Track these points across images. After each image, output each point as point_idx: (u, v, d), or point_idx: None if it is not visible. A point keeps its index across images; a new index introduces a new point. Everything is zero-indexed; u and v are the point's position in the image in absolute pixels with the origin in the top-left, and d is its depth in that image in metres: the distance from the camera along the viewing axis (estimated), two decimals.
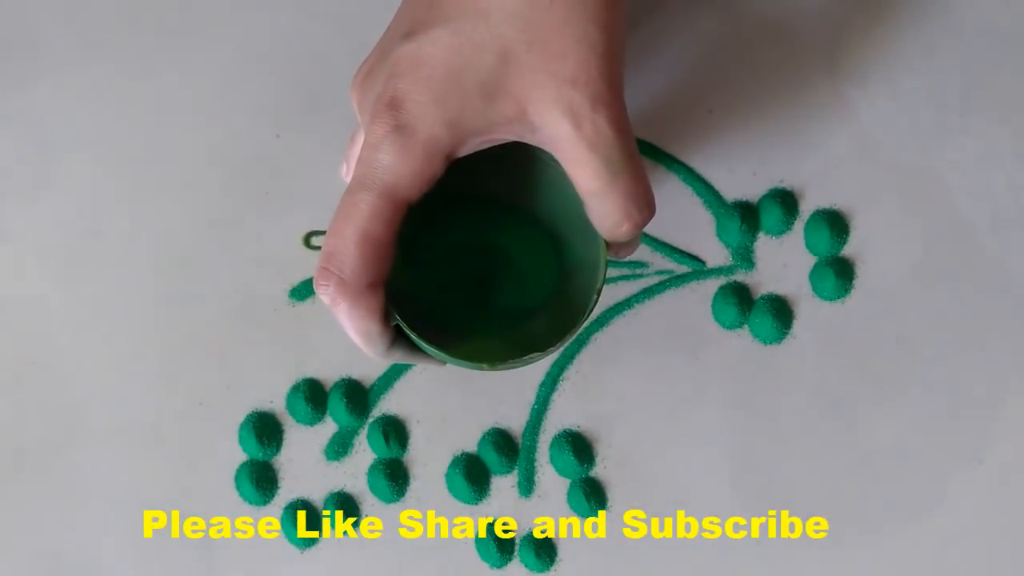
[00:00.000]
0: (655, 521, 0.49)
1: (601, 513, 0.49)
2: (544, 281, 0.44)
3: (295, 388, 0.49)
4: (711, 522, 0.49)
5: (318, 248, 0.40)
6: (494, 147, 0.40)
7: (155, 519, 0.49)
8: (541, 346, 0.41)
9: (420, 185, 0.38)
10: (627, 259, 0.47)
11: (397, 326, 0.41)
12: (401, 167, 0.38)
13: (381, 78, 0.39)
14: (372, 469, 0.49)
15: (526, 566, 0.49)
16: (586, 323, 0.41)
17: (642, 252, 0.50)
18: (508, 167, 0.42)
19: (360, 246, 0.38)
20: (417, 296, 0.42)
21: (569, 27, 0.37)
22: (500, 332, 0.43)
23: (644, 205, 0.39)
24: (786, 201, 0.50)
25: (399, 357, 0.42)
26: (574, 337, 0.41)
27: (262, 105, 0.50)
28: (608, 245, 0.41)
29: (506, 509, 0.49)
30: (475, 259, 0.44)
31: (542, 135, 0.38)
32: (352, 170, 0.39)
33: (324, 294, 0.39)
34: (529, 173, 0.43)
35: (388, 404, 0.50)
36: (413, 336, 0.40)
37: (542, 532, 0.49)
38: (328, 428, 0.50)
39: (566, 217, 0.42)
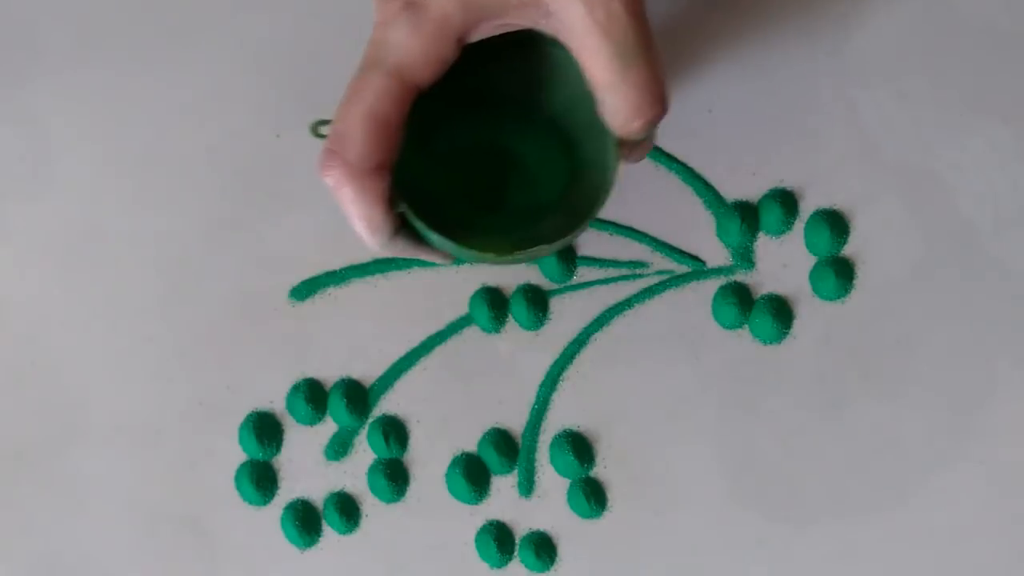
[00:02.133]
0: (655, 521, 0.49)
1: (601, 513, 0.49)
2: (555, 182, 0.43)
3: (295, 388, 0.49)
4: (711, 522, 0.49)
5: (325, 137, 0.39)
6: (510, 46, 0.40)
7: (155, 519, 0.49)
8: (548, 240, 0.40)
9: (431, 67, 0.38)
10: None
11: (402, 216, 0.40)
12: (412, 46, 0.37)
13: None
14: (372, 469, 0.49)
15: (526, 566, 0.49)
16: (590, 220, 0.41)
17: (642, 252, 0.50)
18: (523, 67, 0.42)
19: (367, 125, 0.37)
20: (427, 192, 0.42)
21: None
22: (509, 231, 0.42)
23: (657, 100, 0.38)
24: (786, 201, 0.50)
25: (402, 248, 0.41)
26: (580, 232, 0.41)
27: (262, 105, 0.50)
28: (620, 144, 0.40)
29: (506, 509, 0.49)
30: (487, 159, 0.44)
31: (555, 20, 0.37)
32: None
33: (329, 176, 0.38)
34: (544, 72, 0.42)
35: (388, 404, 0.50)
36: (419, 224, 0.40)
37: (542, 532, 0.49)
38: (328, 428, 0.50)
39: (579, 116, 0.41)
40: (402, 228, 0.40)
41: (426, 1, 0.37)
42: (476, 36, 0.38)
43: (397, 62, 0.37)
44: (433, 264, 0.49)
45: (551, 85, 0.42)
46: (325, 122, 0.40)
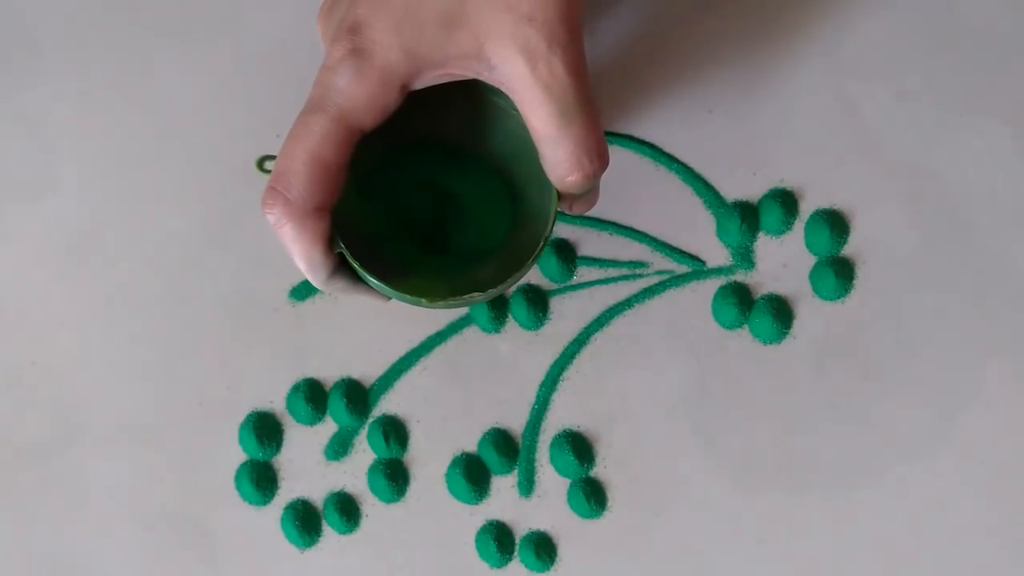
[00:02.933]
0: (655, 521, 0.49)
1: (601, 513, 0.49)
2: (497, 230, 0.44)
3: (295, 388, 0.49)
4: (711, 522, 0.49)
5: (270, 172, 0.40)
6: (458, 95, 0.40)
7: (155, 519, 0.49)
8: (482, 287, 0.41)
9: (374, 113, 0.38)
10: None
11: (342, 255, 0.41)
12: (356, 91, 0.38)
13: (344, 4, 0.39)
14: (372, 469, 0.49)
15: (526, 566, 0.49)
16: (527, 270, 0.41)
17: (642, 252, 0.50)
18: (471, 114, 0.43)
19: (309, 168, 0.38)
20: (370, 234, 0.43)
21: None
22: (451, 274, 0.43)
23: (596, 155, 0.39)
24: (786, 201, 0.49)
25: (340, 287, 0.42)
26: (516, 282, 0.42)
27: (262, 105, 0.50)
28: (561, 196, 0.41)
29: (506, 509, 0.49)
30: (432, 204, 0.44)
31: (498, 73, 0.38)
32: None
33: (270, 214, 0.39)
34: (490, 121, 0.43)
35: (388, 404, 0.50)
36: (355, 265, 0.40)
37: (542, 532, 0.49)
38: (328, 428, 0.50)
39: (523, 167, 0.42)
40: (341, 268, 0.41)
41: (371, 48, 0.38)
42: (420, 84, 0.39)
43: (341, 106, 0.38)
44: None
45: (497, 134, 0.43)
46: (271, 157, 0.41)
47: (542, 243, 0.41)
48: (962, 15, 0.50)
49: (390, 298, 0.42)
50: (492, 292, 0.41)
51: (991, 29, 0.50)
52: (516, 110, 0.39)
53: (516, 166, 0.43)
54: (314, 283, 0.42)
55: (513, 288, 0.44)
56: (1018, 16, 0.50)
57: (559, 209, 0.42)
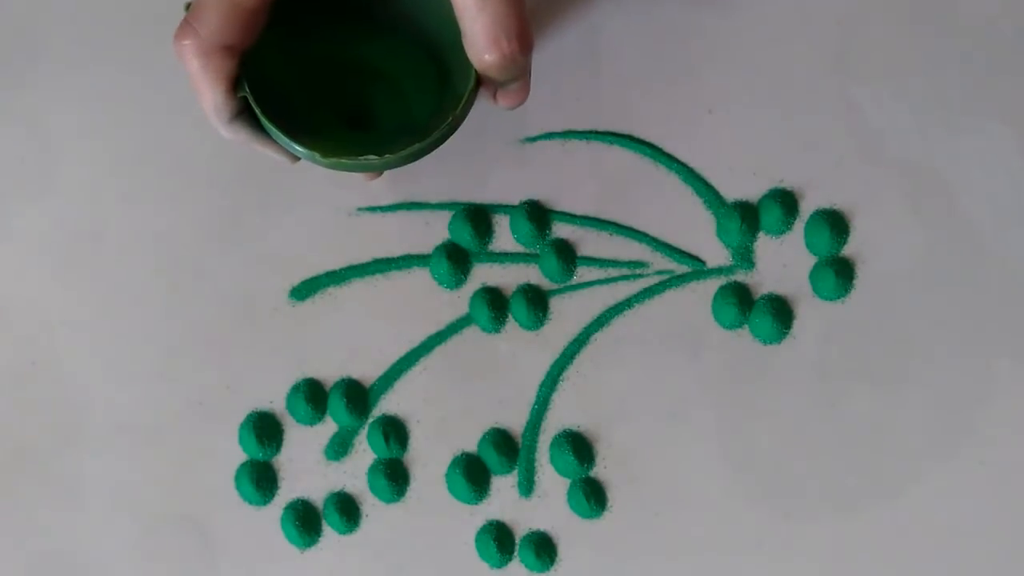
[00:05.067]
0: (655, 521, 0.49)
1: (601, 513, 0.49)
2: (424, 114, 0.43)
3: (295, 388, 0.49)
4: (711, 522, 0.49)
5: None
6: None
7: (155, 519, 0.49)
8: (379, 152, 0.41)
9: None
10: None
11: (246, 102, 0.41)
12: None
13: None
14: (372, 469, 0.49)
15: (526, 566, 0.49)
16: (428, 144, 0.41)
17: (642, 252, 0.50)
18: None
19: (222, 4, 0.38)
20: (290, 99, 0.42)
21: None
22: (361, 148, 0.42)
23: (514, 35, 0.38)
24: (786, 201, 0.49)
25: (243, 138, 0.42)
26: (416, 157, 0.41)
27: None
28: (486, 83, 0.40)
29: (506, 509, 0.49)
30: (363, 83, 0.44)
31: None
32: None
33: (178, 48, 0.39)
34: (427, 3, 0.42)
35: (388, 404, 0.50)
36: (257, 111, 0.40)
37: (542, 532, 0.49)
38: (328, 428, 0.50)
39: (454, 52, 0.41)
40: (244, 115, 0.41)
41: None
42: None
43: None
44: (430, 264, 0.49)
45: (432, 16, 0.42)
46: None
47: (450, 119, 0.40)
48: (962, 15, 0.50)
49: (293, 156, 0.42)
50: (389, 158, 0.40)
51: (991, 29, 0.50)
52: None
53: (448, 51, 0.42)
54: (216, 127, 0.41)
55: (427, 153, 0.42)
56: (1018, 16, 0.50)
57: (486, 98, 0.41)
